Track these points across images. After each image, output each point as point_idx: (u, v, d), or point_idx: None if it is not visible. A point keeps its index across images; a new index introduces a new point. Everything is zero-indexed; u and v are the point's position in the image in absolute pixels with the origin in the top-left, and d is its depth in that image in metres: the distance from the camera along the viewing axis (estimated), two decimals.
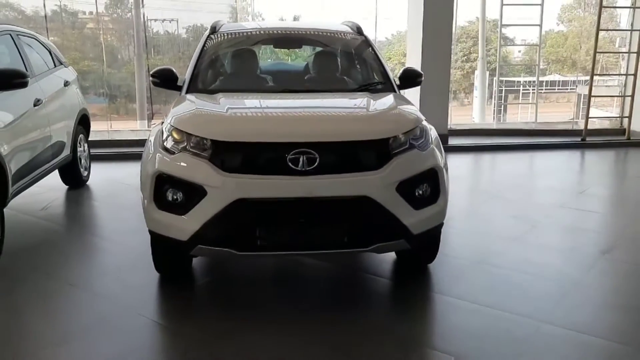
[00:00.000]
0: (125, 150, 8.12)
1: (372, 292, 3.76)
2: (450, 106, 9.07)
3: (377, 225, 3.28)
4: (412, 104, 3.97)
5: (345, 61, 4.88)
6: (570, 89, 26.01)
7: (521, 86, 25.61)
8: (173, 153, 3.32)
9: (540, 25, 9.99)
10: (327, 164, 3.19)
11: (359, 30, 4.84)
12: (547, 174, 7.45)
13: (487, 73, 15.25)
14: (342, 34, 4.89)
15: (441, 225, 3.61)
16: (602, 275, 4.00)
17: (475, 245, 4.57)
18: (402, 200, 3.28)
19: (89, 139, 6.77)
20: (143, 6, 10.96)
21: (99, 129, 9.13)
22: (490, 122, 11.85)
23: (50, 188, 6.07)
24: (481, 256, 4.28)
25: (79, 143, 6.26)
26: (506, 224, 5.12)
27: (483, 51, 12.93)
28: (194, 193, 3.20)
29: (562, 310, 3.39)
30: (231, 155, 3.22)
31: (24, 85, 4.52)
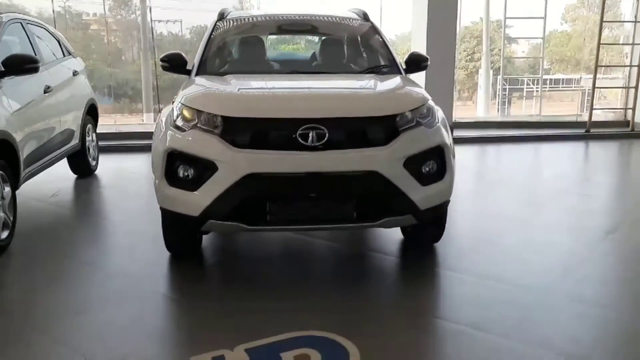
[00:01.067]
0: (132, 143, 8.18)
1: (379, 269, 3.81)
2: (455, 102, 9.13)
3: (385, 200, 3.33)
4: (419, 85, 4.02)
5: (353, 47, 4.93)
6: (575, 86, 26.01)
7: (525, 84, 25.60)
8: (184, 130, 3.38)
9: (545, 18, 10.03)
10: (336, 139, 3.24)
11: (365, 17, 4.89)
12: (551, 164, 7.50)
13: (491, 72, 15.29)
14: (349, 20, 4.95)
15: (447, 202, 3.65)
16: (606, 253, 4.04)
17: (481, 226, 4.62)
18: (409, 176, 3.33)
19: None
20: (150, 4, 11.05)
21: (105, 123, 9.22)
22: (495, 115, 11.86)
23: (59, 177, 6.14)
24: (487, 235, 4.33)
25: (88, 132, 6.33)
26: (512, 207, 5.17)
27: (487, 47, 12.95)
28: (205, 169, 3.25)
29: (567, 283, 3.43)
30: (242, 131, 3.28)
31: (35, 70, 4.59)
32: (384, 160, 3.28)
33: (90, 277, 3.63)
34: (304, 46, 7.79)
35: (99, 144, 6.91)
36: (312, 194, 3.27)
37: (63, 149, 5.59)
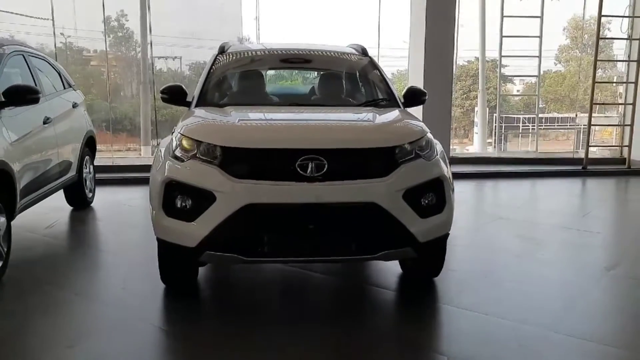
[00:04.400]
0: (129, 175, 8.16)
1: (378, 302, 3.76)
2: (451, 137, 9.20)
3: (384, 232, 3.31)
4: (418, 119, 4.04)
5: (351, 81, 4.97)
6: (570, 125, 26.27)
7: (521, 122, 25.84)
8: (183, 161, 3.37)
9: (539, 57, 10.19)
10: (335, 170, 3.23)
11: (364, 52, 4.95)
12: (549, 199, 7.50)
13: (487, 110, 15.46)
14: (348, 55, 5.01)
15: (447, 235, 3.63)
16: (607, 288, 4.01)
17: (480, 260, 4.57)
18: (409, 208, 3.32)
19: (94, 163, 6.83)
20: (151, 40, 11.20)
21: (103, 157, 9.24)
22: (492, 152, 11.92)
23: (55, 208, 6.10)
24: (487, 270, 4.28)
25: (85, 164, 6.32)
26: (511, 242, 5.14)
27: (483, 84, 13.11)
28: (203, 199, 3.23)
29: (568, 319, 3.38)
30: (241, 161, 3.27)
31: (35, 101, 4.61)
32: (383, 192, 3.27)
33: (83, 308, 3.56)
34: (302, 81, 7.85)
35: (96, 176, 6.88)
36: (311, 225, 3.25)
37: (60, 180, 5.57)
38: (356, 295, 3.88)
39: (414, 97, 4.52)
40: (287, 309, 3.62)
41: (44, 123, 5.14)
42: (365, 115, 3.92)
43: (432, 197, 3.47)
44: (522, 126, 25.21)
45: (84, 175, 6.29)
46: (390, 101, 4.42)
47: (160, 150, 3.69)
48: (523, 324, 3.28)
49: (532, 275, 4.18)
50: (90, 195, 6.54)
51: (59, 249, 4.95)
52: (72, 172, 5.90)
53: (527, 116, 25.53)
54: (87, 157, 6.41)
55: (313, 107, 4.29)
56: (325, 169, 3.21)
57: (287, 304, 3.72)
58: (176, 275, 3.79)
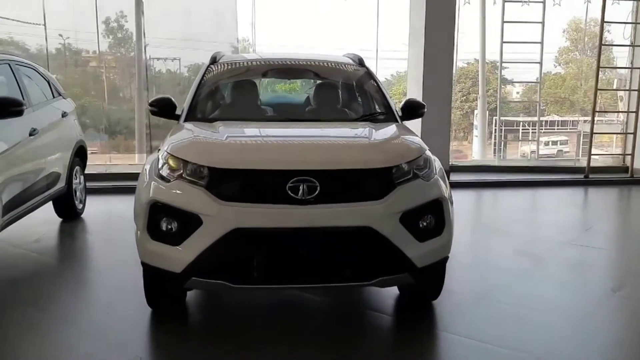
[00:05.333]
0: (122, 184, 7.98)
1: (373, 328, 3.59)
2: (451, 144, 9.03)
3: (379, 257, 3.15)
4: (416, 134, 3.88)
5: (347, 93, 4.82)
6: (570, 129, 26.12)
7: (521, 125, 25.64)
8: (169, 181, 3.21)
9: (541, 63, 10.04)
10: (328, 193, 3.08)
11: (360, 62, 4.79)
12: (550, 211, 7.33)
13: (487, 113, 15.31)
14: (344, 66, 4.85)
15: (446, 259, 3.47)
16: (613, 311, 3.84)
17: (479, 280, 4.40)
18: (406, 232, 3.16)
19: (85, 171, 6.66)
20: (145, 45, 11.04)
21: (97, 163, 9.08)
22: (492, 159, 11.75)
23: (44, 220, 5.92)
24: (486, 291, 4.11)
25: (75, 175, 6.15)
26: (511, 259, 4.97)
27: (483, 88, 12.96)
28: (189, 222, 3.07)
29: (572, 347, 3.22)
30: (228, 183, 3.12)
31: (19, 113, 4.46)
32: (379, 215, 3.10)
33: (63, 336, 3.40)
34: (299, 86, 7.66)
35: (88, 185, 6.71)
36: (303, 250, 3.09)
37: (47, 192, 5.40)
38: (350, 319, 3.71)
39: (412, 110, 4.36)
40: (279, 333, 3.45)
41: (30, 135, 4.97)
42: (360, 132, 3.75)
43: (431, 219, 3.31)
44: (522, 129, 25.07)
45: (74, 186, 6.12)
46: (387, 115, 4.26)
47: (146, 169, 3.53)
48: (522, 353, 3.12)
49: (533, 297, 4.01)
50: (80, 206, 6.37)
51: (45, 266, 4.77)
52: (60, 184, 5.73)
53: (527, 119, 25.39)
54: (77, 168, 6.24)
55: (306, 122, 4.12)
56: (317, 192, 3.05)
57: (278, 327, 3.53)
58: (162, 299, 3.63)
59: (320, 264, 3.11)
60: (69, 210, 6.15)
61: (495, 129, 16.17)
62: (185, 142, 3.50)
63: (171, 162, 3.27)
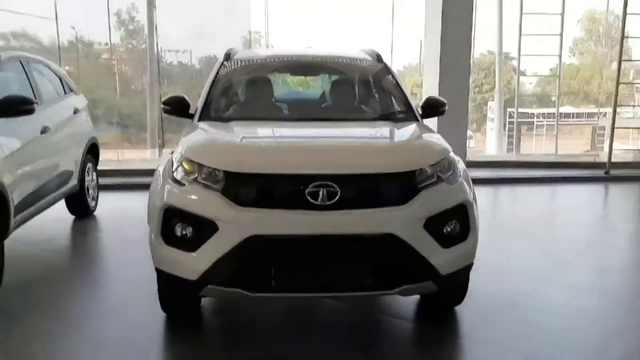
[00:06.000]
0: (135, 181, 7.89)
1: (393, 336, 3.48)
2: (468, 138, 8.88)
3: (402, 265, 3.03)
4: (437, 134, 3.73)
5: (364, 89, 4.67)
6: (586, 120, 25.71)
7: (535, 117, 25.30)
8: (183, 185, 3.10)
9: (560, 56, 9.81)
10: (349, 198, 2.95)
11: (378, 58, 4.63)
12: (572, 209, 7.12)
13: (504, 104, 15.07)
14: (361, 61, 4.69)
15: (471, 265, 3.34)
16: None
17: (503, 285, 4.24)
18: (430, 238, 3.03)
19: (98, 168, 6.57)
20: (157, 36, 10.94)
21: (110, 158, 9.01)
22: (509, 154, 11.53)
23: (56, 218, 5.84)
24: (511, 297, 3.96)
25: (87, 172, 6.06)
26: (535, 262, 4.80)
27: (500, 81, 12.73)
28: (204, 228, 2.96)
29: None
30: (245, 187, 3.00)
31: (30, 112, 4.37)
32: (402, 221, 2.98)
33: (74, 344, 3.32)
34: (313, 85, 7.51)
35: (100, 182, 6.62)
36: (322, 258, 2.97)
37: (59, 191, 5.32)
38: (369, 326, 3.61)
39: (432, 108, 4.21)
40: (293, 342, 3.34)
41: (42, 133, 4.89)
42: (381, 133, 3.62)
43: (456, 224, 3.18)
44: (537, 121, 24.71)
45: (86, 183, 6.04)
46: (407, 113, 4.11)
47: (159, 171, 3.41)
48: None
49: (560, 304, 3.86)
50: (93, 204, 6.30)
51: (57, 267, 4.69)
52: (73, 182, 5.65)
53: (542, 111, 25.01)
54: (89, 165, 6.16)
55: (324, 121, 3.98)
56: (337, 197, 2.93)
57: (292, 338, 3.41)
58: (177, 305, 3.52)
59: (340, 273, 2.99)
60: (81, 208, 6.07)
61: (510, 122, 15.90)
62: (200, 143, 3.38)
63: (186, 165, 3.16)
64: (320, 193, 2.92)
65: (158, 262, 3.19)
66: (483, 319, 3.60)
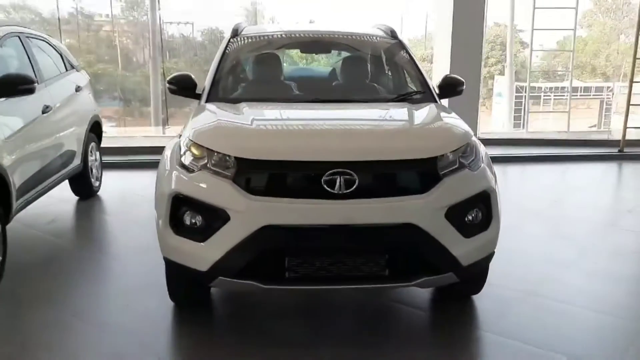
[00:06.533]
0: (140, 159, 7.74)
1: (406, 325, 3.37)
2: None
3: (423, 256, 2.89)
4: (457, 116, 3.55)
5: (380, 69, 4.48)
6: (594, 95, 25.37)
7: (542, 92, 24.93)
8: (192, 171, 2.94)
9: (575, 30, 9.54)
10: (368, 186, 2.80)
11: (393, 34, 4.42)
12: (587, 189, 6.94)
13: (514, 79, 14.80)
14: (375, 38, 4.49)
15: (492, 254, 3.19)
16: None
17: (522, 272, 4.09)
18: (452, 228, 2.89)
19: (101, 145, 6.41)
20: (159, 9, 10.66)
21: (113, 135, 8.84)
22: (520, 131, 11.30)
23: (59, 199, 5.72)
24: (530, 285, 3.83)
25: (90, 152, 5.91)
26: (554, 246, 4.65)
27: (511, 55, 12.44)
28: (215, 218, 2.82)
29: (632, 355, 2.95)
30: (258, 175, 2.85)
31: (30, 91, 4.19)
32: (423, 210, 2.83)
33: (77, 332, 3.21)
34: (324, 63, 7.29)
35: (103, 160, 6.47)
36: (338, 249, 2.83)
37: (63, 172, 5.17)
38: (383, 315, 3.48)
39: (450, 87, 4.02)
40: (305, 332, 3.24)
41: (43, 112, 4.72)
42: (400, 116, 3.44)
43: (478, 213, 3.03)
44: (544, 96, 24.36)
45: (90, 163, 5.89)
46: (424, 93, 3.92)
47: (166, 155, 3.26)
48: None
49: (582, 293, 3.73)
50: (97, 184, 6.16)
51: (61, 251, 4.56)
52: (76, 162, 5.50)
53: (549, 85, 24.63)
54: (92, 144, 6.00)
55: (338, 103, 3.79)
56: (355, 185, 2.77)
57: (305, 327, 3.30)
58: (186, 295, 3.40)
59: (357, 264, 2.85)
60: (85, 188, 5.93)
61: (516, 96, 15.62)
62: (209, 127, 3.21)
63: (194, 150, 3.00)
64: (338, 181, 2.76)
65: (166, 252, 3.05)
66: (501, 309, 3.47)
